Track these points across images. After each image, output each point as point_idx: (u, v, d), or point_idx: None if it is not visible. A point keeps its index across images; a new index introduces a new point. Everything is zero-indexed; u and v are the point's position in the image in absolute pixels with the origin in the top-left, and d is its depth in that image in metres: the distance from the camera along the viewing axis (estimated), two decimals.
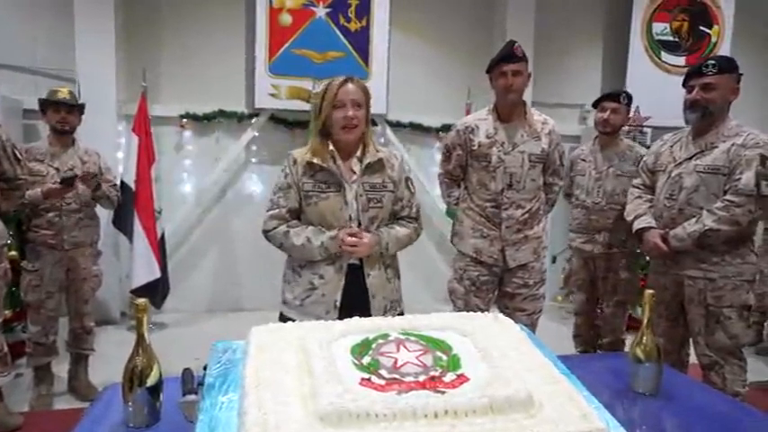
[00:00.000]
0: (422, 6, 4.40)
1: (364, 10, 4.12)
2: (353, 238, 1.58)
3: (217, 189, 4.20)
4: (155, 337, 3.95)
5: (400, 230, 1.71)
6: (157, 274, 3.60)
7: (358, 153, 1.66)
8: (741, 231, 1.96)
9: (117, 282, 3.86)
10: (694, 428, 1.12)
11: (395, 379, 0.92)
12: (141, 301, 0.98)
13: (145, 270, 3.57)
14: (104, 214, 3.48)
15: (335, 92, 1.58)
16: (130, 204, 3.54)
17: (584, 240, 2.78)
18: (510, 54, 2.07)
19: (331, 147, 1.63)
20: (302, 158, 1.64)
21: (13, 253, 2.78)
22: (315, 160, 1.61)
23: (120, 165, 3.72)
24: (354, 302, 1.61)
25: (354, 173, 1.65)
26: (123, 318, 3.97)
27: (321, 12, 4.06)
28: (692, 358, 2.19)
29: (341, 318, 1.50)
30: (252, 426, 0.79)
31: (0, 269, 2.25)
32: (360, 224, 1.64)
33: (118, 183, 3.02)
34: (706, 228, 1.93)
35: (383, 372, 0.94)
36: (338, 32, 4.09)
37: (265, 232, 1.68)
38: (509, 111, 2.15)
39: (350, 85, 1.61)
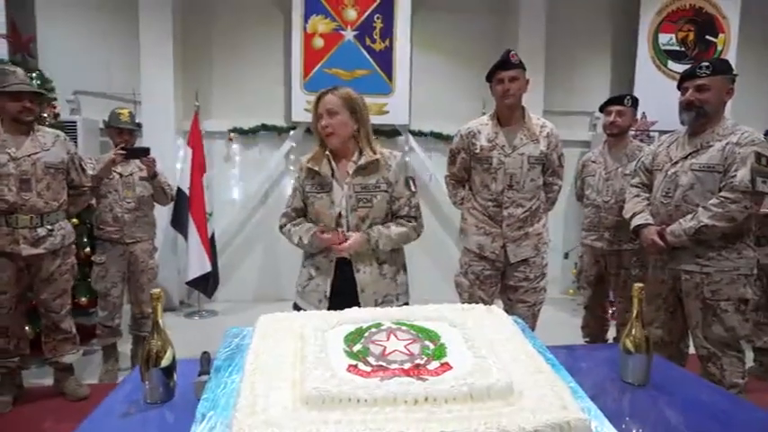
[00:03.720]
0: (440, 26, 4.33)
1: (388, 32, 4.08)
2: (329, 237, 1.53)
3: (260, 194, 4.24)
4: (207, 323, 4.01)
5: (395, 229, 1.60)
6: (208, 269, 3.68)
7: (354, 156, 1.60)
8: (737, 227, 1.79)
9: (176, 274, 3.95)
10: (680, 418, 1.01)
11: (381, 366, 0.87)
12: (156, 290, 0.97)
13: (198, 264, 3.65)
14: (164, 216, 3.60)
15: (315, 105, 1.58)
16: (185, 208, 3.64)
17: (594, 238, 2.65)
18: (506, 61, 1.98)
19: (327, 151, 1.60)
20: (304, 164, 1.65)
21: (87, 250, 2.90)
22: (310, 164, 1.61)
23: (178, 173, 3.82)
24: (344, 294, 1.56)
25: (348, 174, 1.60)
26: (182, 305, 4.07)
27: (349, 35, 4.05)
28: (693, 350, 2.03)
29: (331, 307, 1.48)
30: (242, 406, 0.76)
31: (68, 264, 2.33)
32: (348, 223, 1.58)
33: (174, 187, 3.09)
34: (701, 224, 1.78)
35: (371, 359, 0.89)
36: (365, 52, 4.07)
37: (279, 228, 1.73)
38: (508, 115, 2.05)
39: (326, 96, 1.56)
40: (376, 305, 1.57)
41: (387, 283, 1.63)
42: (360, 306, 1.45)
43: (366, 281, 1.59)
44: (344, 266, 1.60)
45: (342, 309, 1.14)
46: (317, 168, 1.60)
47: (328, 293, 1.59)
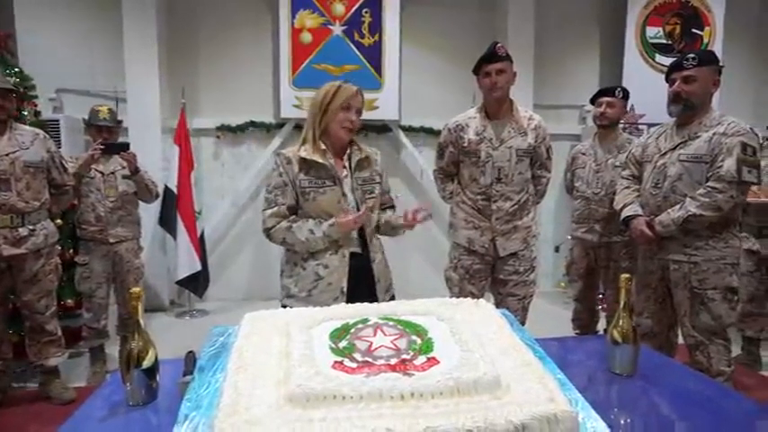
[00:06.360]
0: (429, 20, 4.31)
1: (376, 26, 4.06)
2: (353, 216, 1.54)
3: (250, 192, 4.21)
4: (197, 323, 3.96)
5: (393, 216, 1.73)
6: (198, 268, 3.65)
7: (347, 151, 1.62)
8: (724, 216, 1.81)
9: (166, 274, 3.91)
10: (667, 407, 1.02)
11: (366, 362, 0.86)
12: (135, 289, 0.95)
13: (187, 264, 3.62)
14: (152, 214, 3.55)
15: (352, 96, 1.54)
16: (173, 206, 3.60)
17: (585, 230, 2.65)
18: (492, 54, 1.96)
19: (323, 146, 1.57)
20: (296, 156, 1.55)
21: (72, 251, 2.85)
22: (312, 157, 1.54)
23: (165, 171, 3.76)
24: (361, 287, 1.57)
25: (345, 169, 1.60)
26: (172, 305, 4.03)
27: (337, 30, 4.02)
28: (682, 339, 2.05)
29: (349, 303, 1.46)
30: (225, 406, 0.75)
31: (52, 264, 2.29)
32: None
33: (160, 185, 3.04)
34: (689, 213, 1.80)
35: (357, 355, 0.88)
36: (353, 47, 4.05)
37: (267, 230, 1.59)
38: (496, 108, 2.04)
39: (359, 95, 1.59)
40: (386, 293, 1.65)
41: (388, 271, 1.71)
42: (377, 297, 1.56)
43: (380, 270, 1.64)
44: (357, 260, 1.59)
45: (359, 302, 1.16)
46: (321, 161, 1.53)
47: (345, 289, 1.55)
